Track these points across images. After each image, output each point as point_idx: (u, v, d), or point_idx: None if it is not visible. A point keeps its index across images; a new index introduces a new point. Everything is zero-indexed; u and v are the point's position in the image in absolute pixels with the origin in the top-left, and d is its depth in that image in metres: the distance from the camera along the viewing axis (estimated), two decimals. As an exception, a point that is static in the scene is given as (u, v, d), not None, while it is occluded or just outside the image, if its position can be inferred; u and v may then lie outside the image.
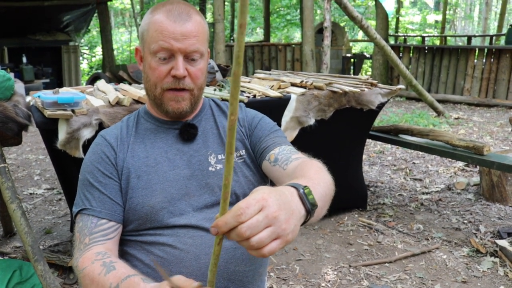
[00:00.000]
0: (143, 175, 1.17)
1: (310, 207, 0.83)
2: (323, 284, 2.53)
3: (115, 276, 0.98)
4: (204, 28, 1.19)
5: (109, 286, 0.97)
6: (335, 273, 2.64)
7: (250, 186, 1.22)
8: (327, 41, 5.11)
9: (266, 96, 2.72)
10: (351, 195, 3.41)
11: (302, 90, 2.86)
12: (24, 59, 9.03)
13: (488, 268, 2.66)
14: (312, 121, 2.84)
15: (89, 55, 15.39)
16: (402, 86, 3.45)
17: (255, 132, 1.27)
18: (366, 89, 3.06)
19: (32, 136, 6.04)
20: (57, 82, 9.99)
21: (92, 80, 9.96)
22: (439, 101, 7.98)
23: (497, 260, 2.73)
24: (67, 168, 2.49)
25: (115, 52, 11.83)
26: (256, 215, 0.71)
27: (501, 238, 2.97)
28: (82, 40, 12.56)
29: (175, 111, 1.19)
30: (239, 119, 1.30)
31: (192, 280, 0.81)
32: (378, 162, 4.81)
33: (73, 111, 2.20)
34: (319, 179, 0.98)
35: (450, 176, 4.30)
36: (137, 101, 2.41)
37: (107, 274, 0.99)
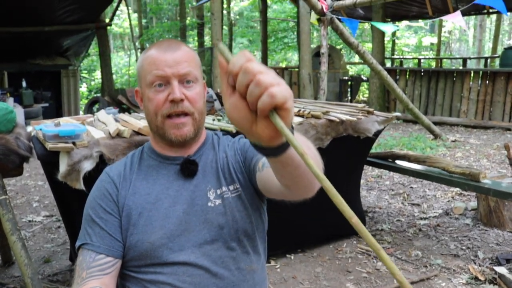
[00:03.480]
0: (144, 212, 1.19)
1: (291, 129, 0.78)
2: (322, 314, 2.52)
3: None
4: (194, 56, 1.24)
5: None
6: (335, 302, 2.64)
7: (245, 220, 1.23)
8: (324, 67, 5.19)
9: (264, 126, 2.75)
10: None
11: (299, 119, 2.91)
12: (24, 84, 9.10)
13: (487, 296, 2.66)
14: (309, 150, 2.87)
15: (88, 79, 15.51)
16: (398, 114, 3.52)
17: (247, 156, 1.28)
18: (362, 117, 3.10)
19: (31, 162, 5.98)
20: (56, 106, 10.05)
21: (91, 104, 10.02)
22: (436, 123, 8.05)
23: (496, 287, 2.73)
24: (67, 198, 2.51)
25: (114, 76, 11.93)
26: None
27: (499, 264, 2.98)
28: (81, 64, 12.66)
29: (178, 138, 1.20)
30: (235, 149, 1.32)
31: None
32: (376, 186, 4.84)
33: (74, 143, 2.23)
34: (314, 150, 0.93)
35: (448, 201, 4.32)
36: (137, 133, 2.45)
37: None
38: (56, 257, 3.30)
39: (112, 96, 9.49)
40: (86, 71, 15.70)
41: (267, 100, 0.65)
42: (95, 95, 12.64)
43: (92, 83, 15.34)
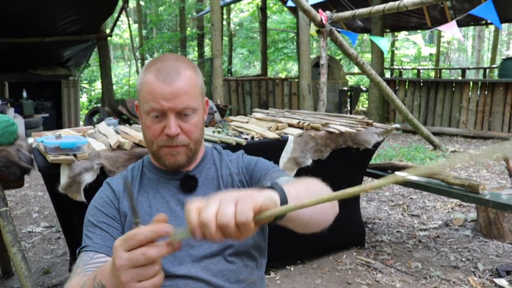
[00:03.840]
0: (144, 225, 1.20)
1: (280, 191, 0.87)
2: (322, 326, 2.52)
3: (91, 273, 0.97)
4: (195, 82, 1.20)
5: (83, 283, 0.96)
6: (334, 314, 2.64)
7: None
8: (323, 78, 5.22)
9: (264, 138, 2.77)
10: (349, 233, 3.43)
11: (299, 131, 2.92)
12: (24, 94, 9.12)
13: (487, 308, 2.66)
14: (309, 162, 2.89)
15: (89, 89, 15.56)
16: (397, 126, 3.53)
17: (253, 175, 1.29)
18: (362, 129, 3.12)
19: (31, 173, 6.05)
20: (56, 116, 10.07)
21: (91, 115, 10.04)
22: (435, 133, 8.07)
23: (496, 299, 2.73)
24: (67, 210, 2.51)
25: (114, 86, 11.97)
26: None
27: (500, 276, 2.98)
28: (82, 74, 12.72)
29: (172, 164, 1.22)
30: (239, 167, 1.33)
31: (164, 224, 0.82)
32: (376, 197, 4.84)
33: (75, 155, 2.24)
34: (310, 182, 1.01)
35: (448, 212, 4.33)
36: (138, 145, 2.46)
37: (84, 277, 0.99)
38: (56, 268, 3.30)
39: (112, 107, 9.52)
40: (86, 82, 15.76)
41: (245, 229, 0.75)
42: (95, 105, 12.67)
43: (93, 93, 15.39)
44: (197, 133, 1.23)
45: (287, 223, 0.91)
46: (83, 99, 14.11)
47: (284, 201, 0.85)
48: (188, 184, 1.26)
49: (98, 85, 14.81)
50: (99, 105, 11.88)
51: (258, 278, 1.28)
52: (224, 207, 0.75)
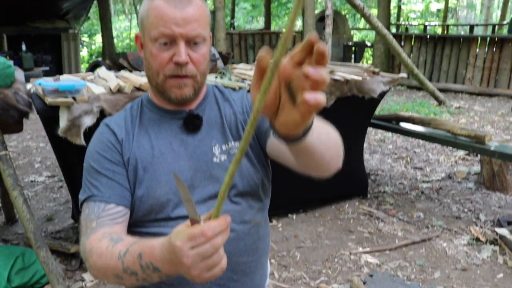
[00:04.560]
0: (148, 166, 1.15)
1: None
2: (323, 271, 2.54)
3: (124, 244, 0.96)
4: (205, 12, 1.15)
5: (118, 253, 0.95)
6: (336, 260, 2.66)
7: (252, 176, 1.20)
8: (328, 29, 5.09)
9: (267, 84, 2.70)
10: (352, 183, 3.42)
11: (303, 78, 2.85)
12: (24, 47, 8.97)
13: (487, 256, 2.67)
14: (313, 109, 2.83)
15: (89, 43, 15.32)
16: (404, 75, 3.44)
17: None
18: (368, 77, 3.05)
19: (33, 124, 6.02)
20: (56, 70, 9.95)
21: (92, 68, 9.90)
22: (440, 90, 7.95)
23: (496, 248, 2.74)
24: (68, 155, 2.49)
25: (115, 40, 11.77)
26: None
27: (501, 226, 2.98)
28: (82, 28, 12.49)
29: (178, 97, 1.16)
30: (243, 106, 1.27)
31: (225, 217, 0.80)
32: (379, 150, 4.81)
33: (74, 98, 2.19)
34: (321, 121, 0.93)
35: (451, 165, 4.31)
36: (138, 89, 2.40)
37: (115, 245, 0.97)
38: (59, 216, 3.31)
39: (113, 60, 9.33)
40: (86, 35, 15.50)
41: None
42: (96, 59, 12.50)
43: (93, 47, 15.15)
44: (205, 64, 1.17)
45: (297, 151, 0.84)
46: (84, 53, 13.91)
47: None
48: (192, 123, 1.19)
49: (98, 38, 14.58)
50: (99, 58, 11.72)
51: (263, 220, 1.26)
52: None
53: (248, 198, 1.20)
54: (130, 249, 0.93)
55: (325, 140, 0.88)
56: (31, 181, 4.03)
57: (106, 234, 1.03)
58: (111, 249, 0.96)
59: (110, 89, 2.34)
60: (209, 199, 1.16)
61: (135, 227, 1.17)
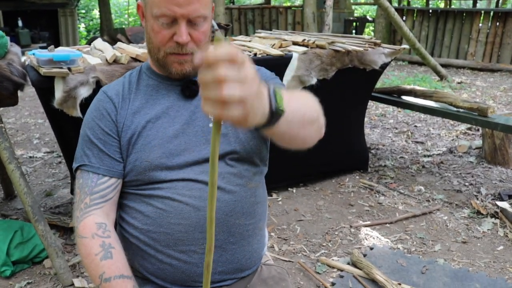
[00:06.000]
0: (143, 131, 1.17)
1: (275, 108, 0.78)
2: (324, 244, 2.53)
3: (110, 267, 1.05)
4: None
5: (101, 273, 1.05)
6: (336, 233, 2.65)
7: (249, 141, 1.19)
8: (329, 2, 4.99)
9: (267, 55, 2.65)
10: (352, 156, 3.39)
11: (304, 48, 2.79)
12: (20, 23, 8.84)
13: (488, 229, 2.66)
14: (314, 81, 2.78)
15: (87, 19, 15.12)
16: (406, 46, 3.38)
17: None
18: (369, 49, 2.99)
19: (31, 101, 5.98)
20: (54, 47, 9.83)
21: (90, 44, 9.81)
22: (442, 65, 7.85)
23: (497, 221, 2.73)
24: (65, 128, 2.45)
25: (113, 16, 11.60)
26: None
27: (502, 200, 2.97)
28: (79, 3, 12.29)
29: (178, 72, 1.18)
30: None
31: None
32: (380, 125, 4.77)
33: (69, 69, 2.14)
34: (300, 97, 0.96)
35: (452, 139, 4.27)
36: (135, 59, 2.35)
37: (102, 260, 1.06)
38: (58, 191, 3.30)
39: (111, 36, 9.24)
40: (84, 11, 15.27)
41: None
42: (94, 35, 12.34)
43: (91, 23, 14.95)
44: (205, 41, 1.17)
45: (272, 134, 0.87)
46: (81, 29, 13.73)
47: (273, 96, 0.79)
48: (190, 89, 1.21)
49: (96, 14, 14.38)
50: (97, 34, 11.58)
51: (259, 183, 1.25)
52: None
53: (244, 163, 1.21)
54: (113, 282, 1.04)
55: (299, 119, 0.90)
56: (30, 157, 4.00)
57: (99, 229, 1.11)
58: (97, 261, 1.06)
59: (106, 60, 2.29)
60: (204, 162, 1.17)
61: (131, 189, 1.20)
